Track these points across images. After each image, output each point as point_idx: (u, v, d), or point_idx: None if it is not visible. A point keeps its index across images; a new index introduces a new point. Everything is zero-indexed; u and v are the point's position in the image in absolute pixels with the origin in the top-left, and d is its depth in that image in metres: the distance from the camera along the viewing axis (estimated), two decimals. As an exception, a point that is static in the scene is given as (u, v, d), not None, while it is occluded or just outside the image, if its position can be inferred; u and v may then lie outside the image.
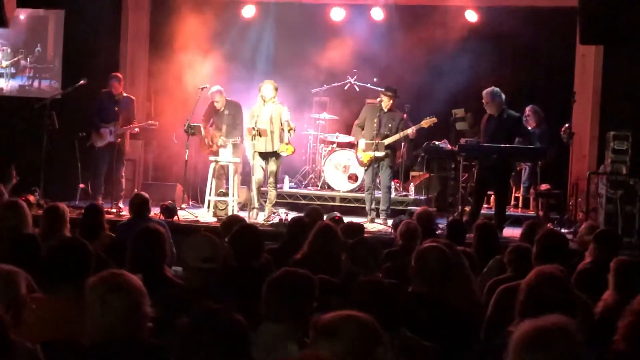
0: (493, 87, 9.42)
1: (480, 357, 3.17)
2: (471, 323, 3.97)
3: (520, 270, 4.68)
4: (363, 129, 10.08)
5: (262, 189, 10.07)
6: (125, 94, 10.44)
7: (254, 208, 9.77)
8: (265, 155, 9.77)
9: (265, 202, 9.99)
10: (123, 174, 10.43)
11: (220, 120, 10.28)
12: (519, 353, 2.17)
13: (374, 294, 3.30)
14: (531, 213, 10.89)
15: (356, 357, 2.40)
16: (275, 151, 9.71)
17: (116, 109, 10.14)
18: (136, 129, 10.46)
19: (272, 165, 9.82)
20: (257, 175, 9.80)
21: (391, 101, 9.92)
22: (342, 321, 2.45)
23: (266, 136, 9.55)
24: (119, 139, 10.20)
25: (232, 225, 5.68)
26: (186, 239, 4.34)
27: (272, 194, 9.90)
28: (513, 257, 4.95)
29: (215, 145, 10.20)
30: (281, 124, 9.65)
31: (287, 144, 9.71)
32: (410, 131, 9.80)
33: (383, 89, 10.16)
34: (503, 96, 9.33)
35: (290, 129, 9.65)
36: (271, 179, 9.89)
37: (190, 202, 10.89)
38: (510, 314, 3.56)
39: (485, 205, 10.04)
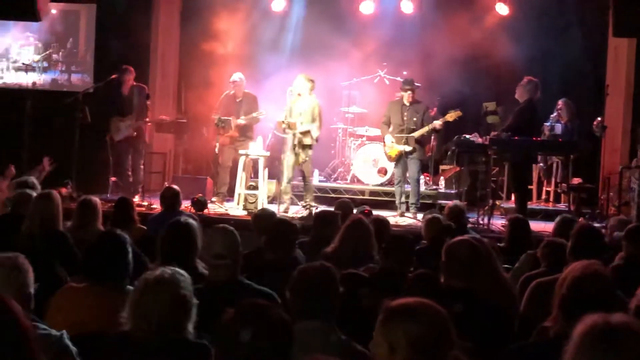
0: (532, 77, 9.31)
1: (516, 358, 3.12)
2: (506, 317, 3.94)
3: (555, 265, 4.65)
4: (389, 127, 10.04)
5: (293, 182, 10.07)
6: (135, 83, 10.52)
7: (284, 202, 9.78)
8: (294, 149, 9.79)
9: (294, 197, 10.04)
10: (142, 166, 10.55)
11: (236, 108, 10.35)
12: (587, 349, 2.03)
13: (427, 289, 3.28)
14: (562, 207, 10.79)
15: (428, 344, 2.36)
16: (305, 145, 9.71)
17: (129, 100, 10.34)
18: (149, 123, 10.55)
19: (301, 159, 9.84)
20: (287, 168, 9.83)
21: (409, 93, 9.85)
22: (419, 305, 2.42)
23: (295, 129, 9.56)
24: (135, 133, 10.35)
25: (264, 219, 5.68)
26: (205, 231, 4.26)
27: (305, 187, 9.93)
28: (547, 251, 4.91)
29: (226, 133, 10.27)
30: (313, 119, 9.65)
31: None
32: (437, 124, 9.76)
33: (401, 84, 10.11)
34: (531, 87, 9.16)
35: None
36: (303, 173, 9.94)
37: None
38: (545, 309, 3.53)
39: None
